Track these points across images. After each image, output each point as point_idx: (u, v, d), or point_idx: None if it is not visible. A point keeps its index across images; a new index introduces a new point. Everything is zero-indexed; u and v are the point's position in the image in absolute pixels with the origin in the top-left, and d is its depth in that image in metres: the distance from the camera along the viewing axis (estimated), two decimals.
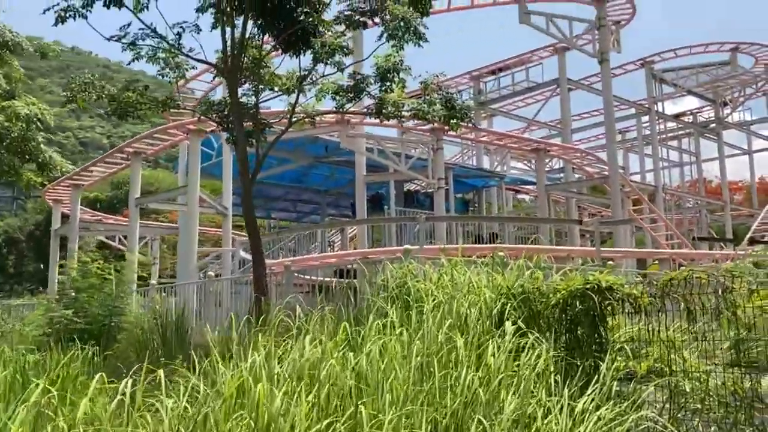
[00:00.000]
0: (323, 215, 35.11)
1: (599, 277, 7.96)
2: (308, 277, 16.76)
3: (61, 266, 23.12)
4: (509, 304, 7.55)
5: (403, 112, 13.98)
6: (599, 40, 25.12)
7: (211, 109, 13.99)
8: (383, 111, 13.69)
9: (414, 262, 9.75)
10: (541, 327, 7.90)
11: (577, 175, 29.10)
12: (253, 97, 13.75)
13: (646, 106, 37.02)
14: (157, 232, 30.46)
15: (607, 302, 7.63)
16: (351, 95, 13.66)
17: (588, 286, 7.76)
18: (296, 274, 15.45)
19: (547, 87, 31.95)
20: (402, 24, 12.90)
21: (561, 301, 7.85)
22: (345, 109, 14.00)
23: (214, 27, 12.68)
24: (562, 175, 31.08)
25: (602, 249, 17.93)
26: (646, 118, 39.54)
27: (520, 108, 38.58)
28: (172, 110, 14.79)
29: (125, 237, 32.09)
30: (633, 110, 37.13)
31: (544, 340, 6.93)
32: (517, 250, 18.88)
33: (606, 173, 29.09)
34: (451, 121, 14.23)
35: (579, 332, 7.75)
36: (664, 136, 46.56)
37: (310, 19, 13.23)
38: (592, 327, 7.75)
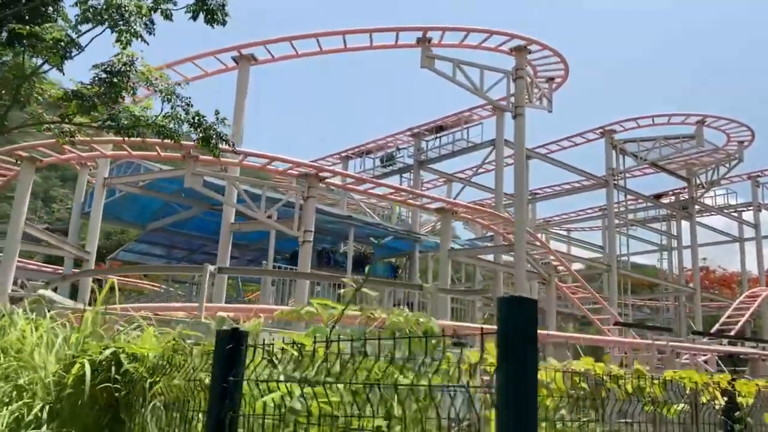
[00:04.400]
0: None
1: (124, 345, 5.26)
2: None
3: None
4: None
5: (143, 129, 11.56)
6: (515, 93, 22.56)
7: None
8: (122, 125, 11.25)
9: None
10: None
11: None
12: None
13: (617, 179, 34.19)
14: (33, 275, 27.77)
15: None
16: (88, 104, 11.23)
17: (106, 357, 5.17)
18: None
19: (485, 147, 29.26)
20: (118, 13, 10.60)
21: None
22: (70, 120, 11.60)
23: None
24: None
25: (443, 323, 14.86)
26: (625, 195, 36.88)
27: (480, 175, 36.01)
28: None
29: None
30: (600, 183, 34.24)
31: None
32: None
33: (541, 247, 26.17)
34: (209, 143, 11.73)
35: None
36: (644, 216, 43.73)
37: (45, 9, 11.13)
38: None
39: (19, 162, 19.04)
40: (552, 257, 26.41)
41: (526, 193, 22.32)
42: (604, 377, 5.30)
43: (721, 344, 25.99)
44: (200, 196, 25.77)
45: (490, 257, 26.16)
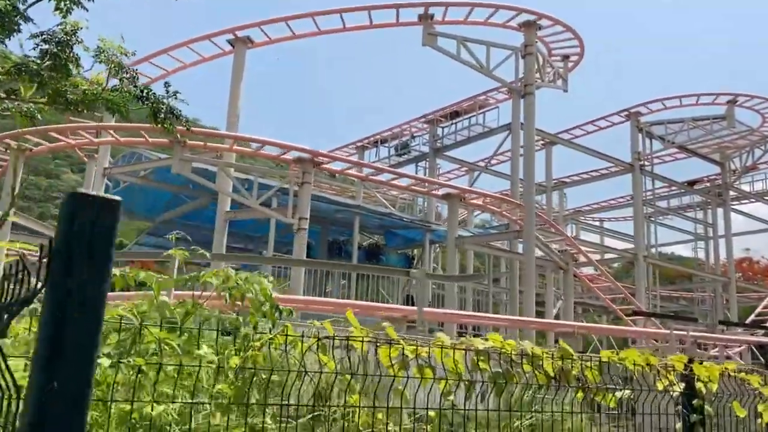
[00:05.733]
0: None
1: None
2: None
3: None
4: None
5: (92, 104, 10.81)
6: (524, 70, 21.41)
7: None
8: (69, 100, 10.52)
9: None
10: None
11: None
12: None
13: (644, 164, 32.65)
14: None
15: None
16: (37, 79, 10.52)
17: None
18: None
19: (501, 132, 28.00)
20: None
21: None
22: (17, 96, 10.91)
23: None
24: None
25: (430, 310, 13.92)
26: (657, 183, 35.47)
27: (504, 163, 34.81)
28: None
29: None
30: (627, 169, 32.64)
31: None
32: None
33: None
34: (157, 118, 10.92)
35: None
36: (679, 204, 42.03)
37: None
38: None
39: (7, 150, 18.66)
40: (570, 246, 25.14)
41: (533, 177, 21.12)
42: (513, 357, 4.33)
43: (752, 335, 24.43)
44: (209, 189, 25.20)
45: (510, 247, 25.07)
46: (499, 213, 23.53)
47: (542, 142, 33.17)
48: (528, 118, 21.36)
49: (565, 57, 24.29)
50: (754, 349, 25.36)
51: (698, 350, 23.44)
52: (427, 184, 22.70)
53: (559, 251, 24.37)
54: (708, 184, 39.65)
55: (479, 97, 29.53)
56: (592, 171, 37.18)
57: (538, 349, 4.35)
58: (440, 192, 22.05)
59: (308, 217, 18.97)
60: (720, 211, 38.61)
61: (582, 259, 25.64)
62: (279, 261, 18.18)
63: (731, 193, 38.08)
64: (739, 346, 25.37)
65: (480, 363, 4.19)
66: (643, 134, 31.84)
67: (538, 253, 23.64)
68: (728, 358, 23.99)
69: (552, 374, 4.38)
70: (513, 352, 4.26)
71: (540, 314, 29.89)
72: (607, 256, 37.22)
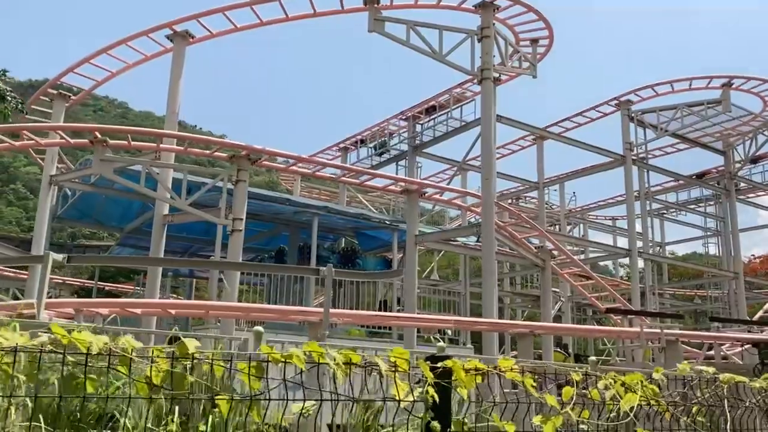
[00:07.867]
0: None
1: None
2: None
3: None
4: None
5: None
6: (481, 54, 19.95)
7: None
8: None
9: None
10: None
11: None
12: None
13: (641, 155, 30.95)
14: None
15: None
16: None
17: None
18: None
19: (477, 125, 26.49)
20: None
21: None
22: None
23: None
24: None
25: (339, 311, 12.55)
26: (662, 177, 33.86)
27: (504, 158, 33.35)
28: None
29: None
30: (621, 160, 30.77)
31: None
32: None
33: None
34: None
35: None
36: (687, 198, 40.19)
37: None
38: None
39: None
40: (549, 242, 23.51)
41: (493, 167, 19.54)
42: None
43: (748, 332, 22.54)
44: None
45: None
46: (466, 209, 22.05)
47: (532, 137, 31.61)
48: (486, 106, 19.88)
49: (534, 41, 22.78)
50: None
51: (694, 350, 21.67)
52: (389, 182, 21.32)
53: (536, 247, 22.85)
54: (717, 175, 37.64)
55: (455, 90, 28.09)
56: (589, 166, 35.39)
57: (132, 345, 2.98)
58: (397, 187, 20.66)
59: (244, 217, 17.72)
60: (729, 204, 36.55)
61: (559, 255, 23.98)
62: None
63: (741, 184, 36.06)
64: (741, 345, 23.49)
65: None
66: (634, 123, 30.09)
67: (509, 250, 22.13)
68: (725, 358, 22.17)
69: (158, 382, 3.02)
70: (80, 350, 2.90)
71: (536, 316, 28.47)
72: (605, 254, 35.38)
